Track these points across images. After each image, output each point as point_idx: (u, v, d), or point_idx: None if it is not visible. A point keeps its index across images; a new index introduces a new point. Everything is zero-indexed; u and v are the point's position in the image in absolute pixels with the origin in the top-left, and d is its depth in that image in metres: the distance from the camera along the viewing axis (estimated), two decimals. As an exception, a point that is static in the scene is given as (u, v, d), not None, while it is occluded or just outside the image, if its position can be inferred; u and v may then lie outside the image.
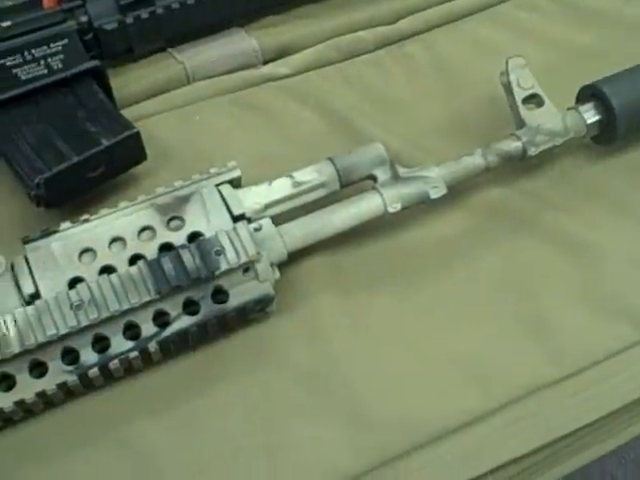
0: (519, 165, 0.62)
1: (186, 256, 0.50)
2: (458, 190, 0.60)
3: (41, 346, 0.48)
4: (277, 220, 0.55)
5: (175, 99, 0.65)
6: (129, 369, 0.51)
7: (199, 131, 0.63)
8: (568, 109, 0.61)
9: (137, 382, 0.52)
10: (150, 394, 0.52)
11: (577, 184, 0.63)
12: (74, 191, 0.55)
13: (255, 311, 0.53)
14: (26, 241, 0.51)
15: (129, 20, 0.65)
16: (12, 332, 0.48)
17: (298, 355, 0.54)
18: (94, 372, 0.49)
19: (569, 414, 0.52)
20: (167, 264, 0.50)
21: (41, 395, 0.49)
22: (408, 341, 0.55)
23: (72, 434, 0.50)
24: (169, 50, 0.69)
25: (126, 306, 0.49)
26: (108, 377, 0.51)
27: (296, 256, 0.56)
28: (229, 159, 0.56)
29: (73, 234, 0.52)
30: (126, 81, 0.65)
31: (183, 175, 0.55)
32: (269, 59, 0.70)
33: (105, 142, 0.54)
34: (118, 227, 0.52)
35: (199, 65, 0.67)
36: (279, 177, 0.55)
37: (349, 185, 0.57)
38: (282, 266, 0.55)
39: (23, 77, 0.58)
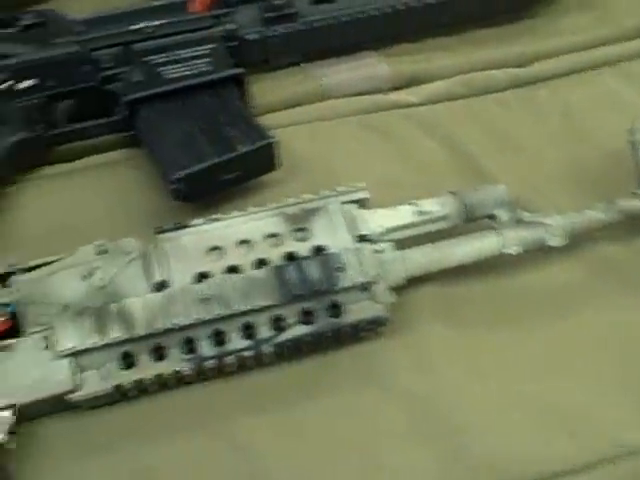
0: (636, 224, 0.62)
1: (310, 268, 0.52)
2: (576, 241, 0.60)
3: (165, 332, 0.51)
4: (399, 246, 0.56)
5: (309, 113, 0.68)
6: (241, 366, 0.53)
7: (328, 147, 0.65)
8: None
9: (247, 379, 0.54)
10: (258, 393, 0.54)
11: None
12: (208, 190, 0.58)
13: (367, 330, 0.55)
14: (159, 231, 0.54)
15: (270, 33, 0.67)
16: (140, 315, 0.51)
17: (405, 380, 0.55)
18: (210, 364, 0.52)
19: None
20: (291, 273, 0.52)
21: (158, 377, 0.51)
22: (514, 383, 0.55)
23: (180, 418, 0.53)
24: (303, 65, 0.71)
25: (248, 307, 0.51)
26: (219, 371, 0.53)
27: (410, 283, 0.57)
28: (354, 178, 0.58)
29: (204, 231, 0.54)
30: (263, 90, 0.68)
31: (309, 188, 0.57)
32: (398, 86, 0.71)
33: (243, 148, 0.56)
34: (247, 230, 0.54)
35: (333, 83, 0.69)
36: (403, 204, 0.57)
37: (470, 221, 0.58)
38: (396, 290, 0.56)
39: (170, 75, 0.62)
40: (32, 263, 0.53)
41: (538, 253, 0.59)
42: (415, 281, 0.57)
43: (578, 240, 0.60)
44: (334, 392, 0.54)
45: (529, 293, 0.59)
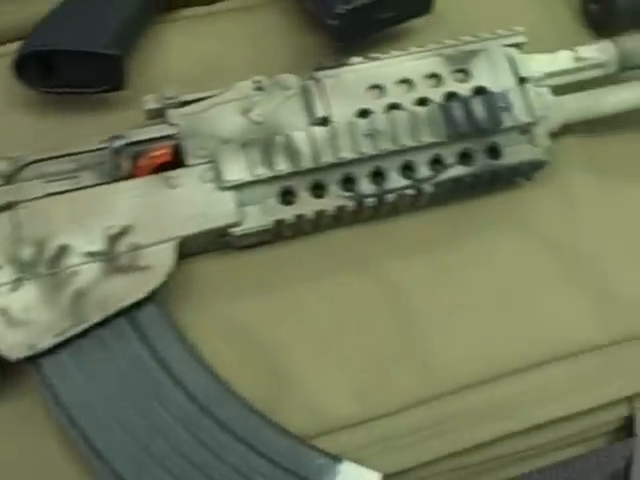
0: None
1: (475, 106, 0.51)
2: None
3: (327, 168, 0.51)
4: (554, 92, 0.55)
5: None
6: (396, 208, 0.53)
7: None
8: None
9: (400, 223, 0.54)
10: (408, 236, 0.54)
11: None
12: (365, 30, 0.56)
13: (523, 174, 0.54)
14: (319, 68, 0.53)
15: None
16: (306, 148, 0.50)
17: (552, 226, 0.55)
18: (370, 201, 0.51)
19: None
20: (457, 110, 0.51)
21: (318, 215, 0.51)
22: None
23: (334, 258, 0.53)
24: None
25: (413, 144, 0.51)
26: (377, 211, 0.53)
27: (560, 131, 0.56)
28: (503, 27, 0.56)
29: (364, 69, 0.53)
30: None
31: (459, 34, 0.55)
32: None
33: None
34: (407, 69, 0.53)
35: None
36: (562, 49, 0.55)
37: (626, 70, 0.56)
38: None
39: None
40: (188, 97, 0.52)
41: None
42: (565, 129, 0.56)
43: None
44: (484, 235, 0.54)
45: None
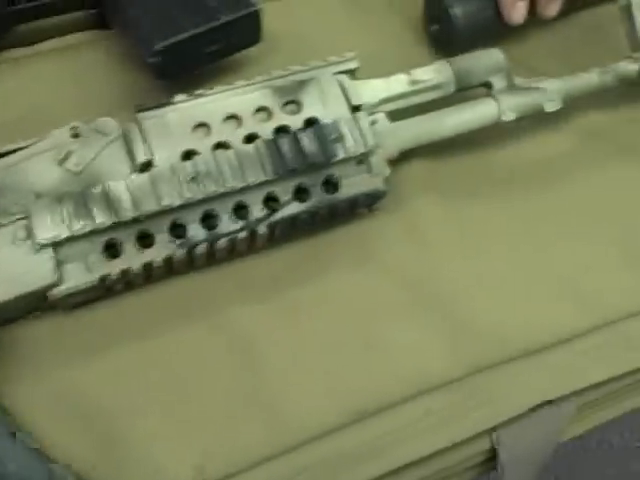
0: (627, 92, 0.60)
1: (305, 140, 0.49)
2: (566, 111, 0.58)
3: (152, 216, 0.47)
4: (389, 118, 0.53)
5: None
6: (232, 251, 0.50)
7: (308, 22, 0.61)
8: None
9: (238, 266, 0.51)
10: (251, 279, 0.51)
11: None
12: (188, 66, 0.53)
13: (364, 206, 0.52)
14: (140, 110, 0.50)
15: None
16: (126, 198, 0.47)
17: (399, 256, 0.53)
18: (201, 248, 0.48)
19: None
20: (285, 146, 0.48)
21: (147, 267, 0.48)
22: (507, 253, 0.55)
23: (169, 311, 0.50)
24: None
25: (242, 184, 0.48)
26: (211, 257, 0.50)
27: (401, 156, 0.54)
28: (336, 52, 0.54)
29: (188, 107, 0.50)
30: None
31: (291, 63, 0.53)
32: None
33: (225, 17, 0.52)
34: (234, 104, 0.50)
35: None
36: (396, 73, 0.54)
37: (464, 90, 0.55)
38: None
39: None
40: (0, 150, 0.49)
41: (528, 123, 0.57)
42: (407, 153, 0.55)
43: (567, 110, 0.58)
44: (329, 273, 0.52)
45: (521, 163, 0.58)
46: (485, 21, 0.60)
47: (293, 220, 0.50)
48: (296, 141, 0.49)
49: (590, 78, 0.57)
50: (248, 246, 0.50)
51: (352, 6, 0.63)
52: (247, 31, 0.54)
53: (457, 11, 0.59)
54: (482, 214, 0.55)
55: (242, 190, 0.48)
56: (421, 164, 0.56)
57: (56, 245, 0.46)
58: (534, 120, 0.57)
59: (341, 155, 0.49)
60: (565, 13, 0.63)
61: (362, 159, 0.51)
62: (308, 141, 0.49)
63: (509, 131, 0.57)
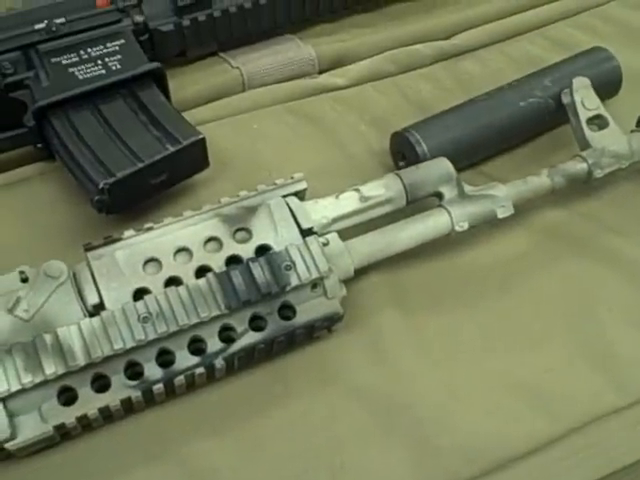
0: (579, 187, 0.61)
1: (256, 270, 0.48)
2: (519, 211, 0.58)
3: (106, 359, 0.46)
4: (341, 235, 0.53)
5: (231, 106, 0.64)
6: (191, 384, 0.50)
7: (256, 140, 0.62)
8: (632, 132, 0.61)
9: (198, 399, 0.50)
10: (211, 412, 0.50)
11: (636, 208, 0.62)
12: (135, 198, 0.53)
13: (322, 328, 0.52)
14: (88, 248, 0.49)
15: (185, 22, 0.63)
16: (77, 344, 0.46)
17: (362, 376, 0.52)
18: (159, 388, 0.47)
19: (632, 445, 0.51)
20: (237, 278, 0.48)
21: (103, 410, 0.47)
22: (470, 364, 0.54)
23: (130, 450, 0.48)
24: (222, 55, 0.67)
25: (195, 320, 0.47)
26: (170, 392, 0.49)
27: (357, 273, 0.54)
28: (287, 169, 0.55)
29: (137, 243, 0.50)
30: (180, 85, 0.64)
31: (241, 184, 0.53)
32: (325, 68, 0.68)
33: (171, 148, 0.52)
34: (183, 237, 0.50)
35: (255, 71, 0.66)
36: (345, 190, 0.54)
37: (415, 202, 0.55)
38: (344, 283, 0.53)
39: (80, 77, 0.56)
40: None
41: (482, 227, 0.57)
42: (362, 271, 0.54)
43: (522, 210, 0.59)
44: (290, 399, 0.51)
45: (477, 269, 0.58)
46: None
47: (251, 350, 0.49)
48: (248, 272, 0.48)
49: (540, 181, 0.57)
50: (206, 379, 0.49)
51: (301, 120, 0.64)
52: (194, 159, 0.54)
53: (424, 148, 0.59)
54: (443, 325, 0.55)
55: (196, 325, 0.48)
56: (379, 277, 0.56)
57: (7, 399, 0.45)
58: (488, 223, 0.57)
59: (294, 283, 0.49)
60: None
61: (317, 283, 0.50)
62: (260, 271, 0.48)
63: (464, 236, 0.57)
